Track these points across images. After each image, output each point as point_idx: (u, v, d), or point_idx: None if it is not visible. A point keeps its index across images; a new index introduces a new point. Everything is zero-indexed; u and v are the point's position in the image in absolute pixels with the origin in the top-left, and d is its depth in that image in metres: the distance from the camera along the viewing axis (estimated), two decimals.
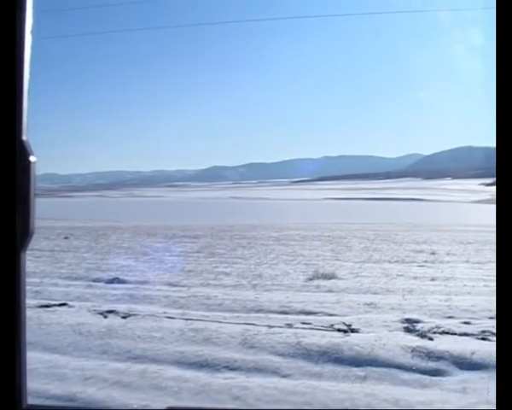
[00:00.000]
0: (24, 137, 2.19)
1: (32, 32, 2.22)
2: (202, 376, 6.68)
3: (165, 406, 5.86)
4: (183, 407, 5.98)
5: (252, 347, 7.80)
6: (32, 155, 2.21)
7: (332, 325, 8.96)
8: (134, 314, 9.63)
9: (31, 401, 2.31)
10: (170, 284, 13.12)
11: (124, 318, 9.37)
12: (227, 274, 14.76)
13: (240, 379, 6.58)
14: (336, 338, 8.19)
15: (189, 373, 6.73)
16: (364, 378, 6.73)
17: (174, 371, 6.78)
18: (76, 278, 13.80)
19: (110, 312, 9.80)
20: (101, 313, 9.71)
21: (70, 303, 10.66)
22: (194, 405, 6.03)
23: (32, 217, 2.22)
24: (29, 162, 2.20)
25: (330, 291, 12.30)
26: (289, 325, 9.00)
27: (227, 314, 9.81)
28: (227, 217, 43.51)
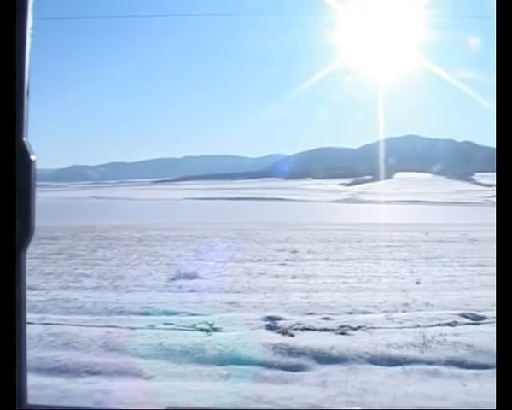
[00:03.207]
0: (24, 138, 2.17)
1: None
2: (62, 382, 6.50)
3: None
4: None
5: (113, 350, 7.69)
6: (33, 154, 2.19)
7: (194, 325, 8.98)
8: None
9: None
10: (27, 288, 12.62)
11: None
12: (87, 276, 14.44)
13: (101, 383, 6.47)
14: (199, 338, 8.23)
15: (49, 380, 6.52)
16: (227, 377, 6.80)
17: (32, 378, 6.52)
18: None
19: None
20: None
21: None
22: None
23: (33, 216, 2.20)
24: (29, 162, 2.18)
25: (193, 291, 12.33)
26: (151, 326, 8.93)
27: (87, 317, 9.60)
28: (87, 217, 42.37)
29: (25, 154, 2.17)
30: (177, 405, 6.08)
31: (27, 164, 2.18)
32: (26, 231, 2.20)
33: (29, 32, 2.20)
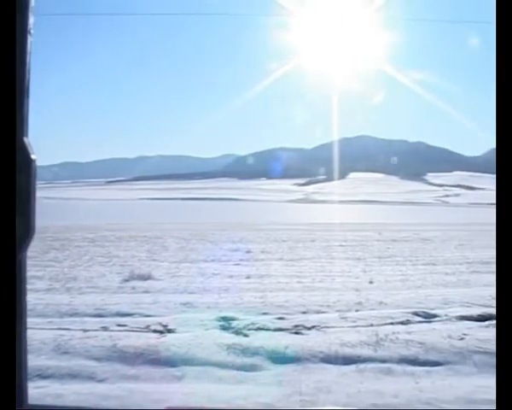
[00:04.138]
0: (25, 138, 2.16)
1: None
2: None
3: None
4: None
5: (66, 352, 7.58)
6: (33, 154, 2.19)
7: (148, 326, 8.93)
8: None
9: None
10: None
11: None
12: (39, 278, 14.17)
13: (53, 387, 6.36)
14: (152, 339, 8.17)
15: None
16: (181, 378, 6.77)
17: None
18: None
19: None
20: None
21: None
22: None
23: (33, 216, 2.26)
24: (30, 162, 2.18)
25: (146, 292, 12.25)
26: (105, 328, 8.85)
27: (39, 320, 9.42)
28: (39, 218, 41.64)
29: (25, 153, 2.16)
30: (128, 407, 6.03)
31: (28, 164, 2.17)
32: (27, 231, 2.23)
33: (29, 31, 2.18)
